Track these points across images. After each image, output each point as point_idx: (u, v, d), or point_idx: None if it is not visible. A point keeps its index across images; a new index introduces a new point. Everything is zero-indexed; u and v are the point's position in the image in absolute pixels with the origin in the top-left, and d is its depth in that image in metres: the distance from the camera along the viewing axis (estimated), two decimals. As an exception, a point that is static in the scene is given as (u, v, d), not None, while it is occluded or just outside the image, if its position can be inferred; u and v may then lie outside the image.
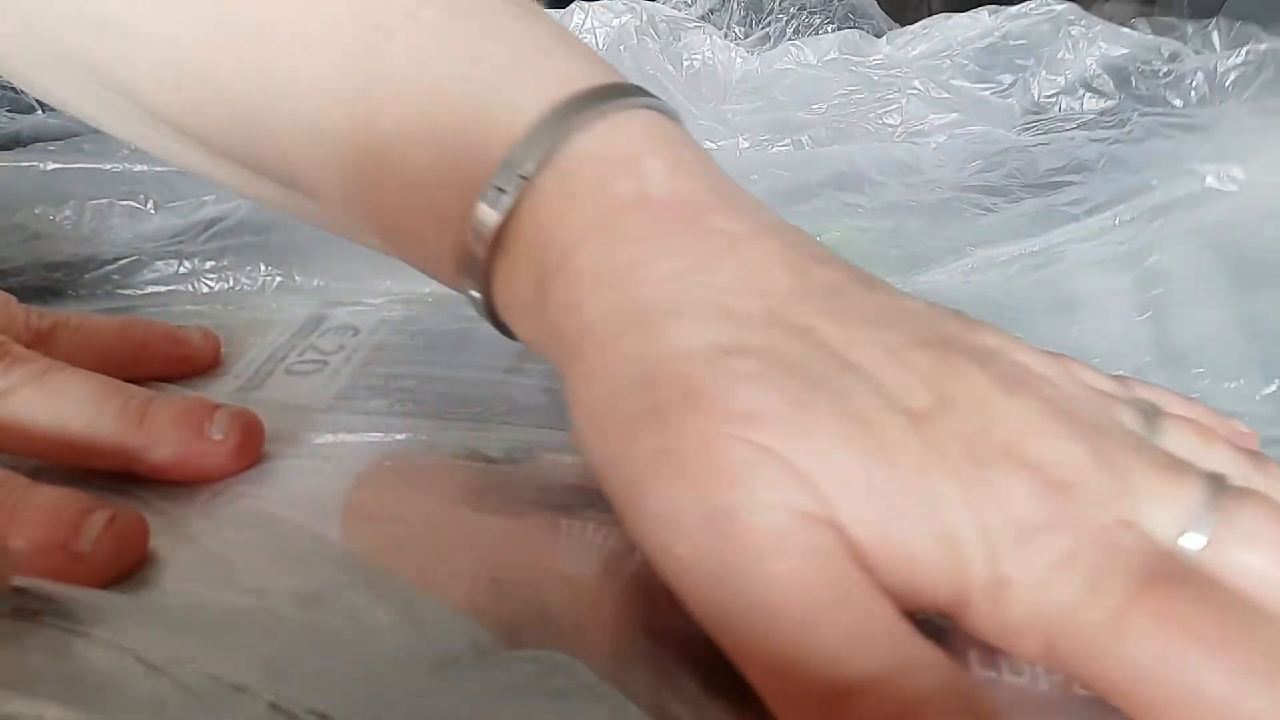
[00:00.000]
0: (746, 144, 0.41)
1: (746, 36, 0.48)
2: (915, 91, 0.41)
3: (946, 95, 0.41)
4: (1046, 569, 0.15)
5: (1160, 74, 0.39)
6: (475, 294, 0.20)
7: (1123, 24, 0.41)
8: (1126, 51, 0.41)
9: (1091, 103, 0.41)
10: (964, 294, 0.34)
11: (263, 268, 0.37)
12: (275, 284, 0.36)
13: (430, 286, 0.36)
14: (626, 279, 0.17)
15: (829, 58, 0.42)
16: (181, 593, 0.18)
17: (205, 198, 0.38)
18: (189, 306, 0.34)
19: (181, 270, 0.36)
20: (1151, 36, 0.40)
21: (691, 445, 0.15)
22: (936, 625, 0.16)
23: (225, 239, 0.37)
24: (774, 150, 0.41)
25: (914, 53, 0.43)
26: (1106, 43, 0.41)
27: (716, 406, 0.16)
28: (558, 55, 0.20)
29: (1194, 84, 0.39)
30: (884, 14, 0.50)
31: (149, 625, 0.16)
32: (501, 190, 0.18)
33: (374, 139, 0.20)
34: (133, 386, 0.22)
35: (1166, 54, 0.40)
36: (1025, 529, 0.15)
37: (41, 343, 0.24)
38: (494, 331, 0.22)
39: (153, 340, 0.26)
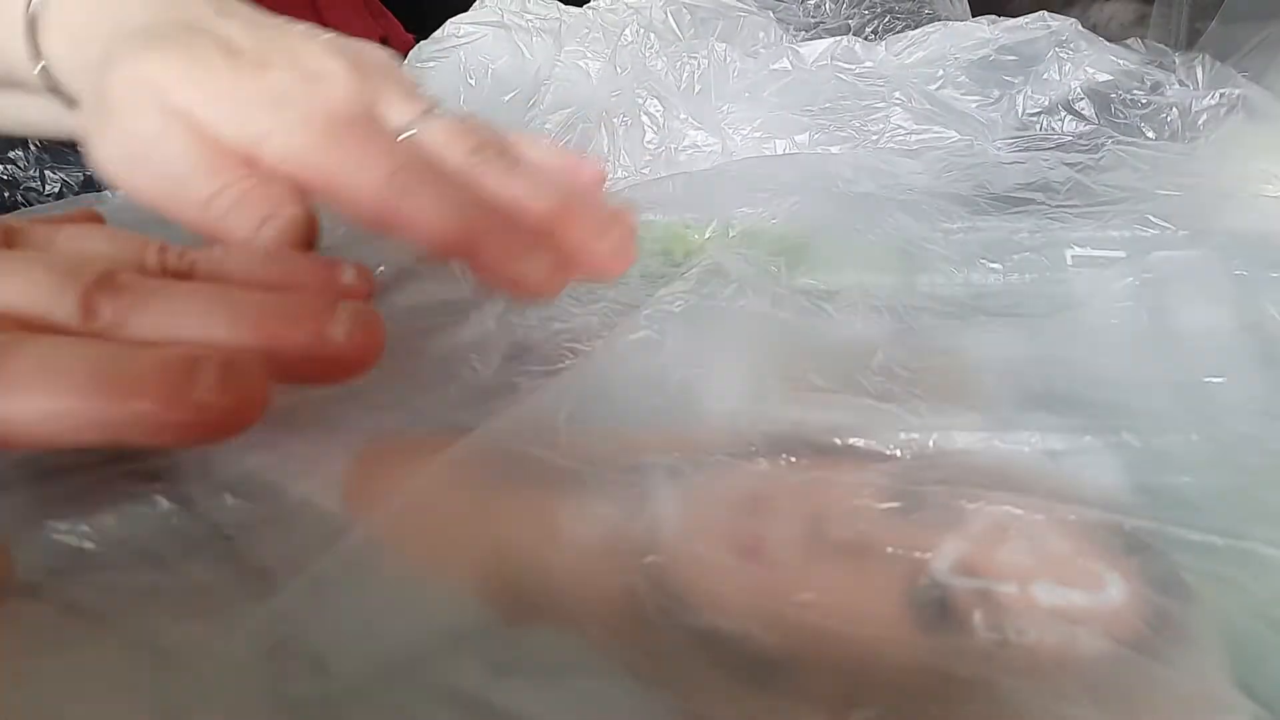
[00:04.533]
0: (739, 139, 0.45)
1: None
2: (898, 101, 0.43)
3: (930, 106, 0.43)
4: (291, 123, 0.23)
5: (1140, 103, 0.40)
6: (42, 63, 0.27)
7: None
8: (1111, 78, 0.41)
9: (1071, 125, 0.42)
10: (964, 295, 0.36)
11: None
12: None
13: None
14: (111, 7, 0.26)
15: (821, 63, 0.44)
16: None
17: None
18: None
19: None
20: (1136, 67, 0.41)
21: (114, 95, 0.24)
22: (941, 598, 0.17)
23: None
24: (764, 150, 0.44)
25: (909, 60, 0.45)
26: (1094, 67, 0.42)
27: (127, 67, 0.24)
28: None
29: (1168, 119, 0.39)
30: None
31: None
32: None
33: None
34: (239, 290, 0.21)
35: (1149, 84, 0.41)
36: (278, 100, 0.23)
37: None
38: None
39: (299, 274, 0.23)
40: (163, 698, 0.14)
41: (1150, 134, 0.40)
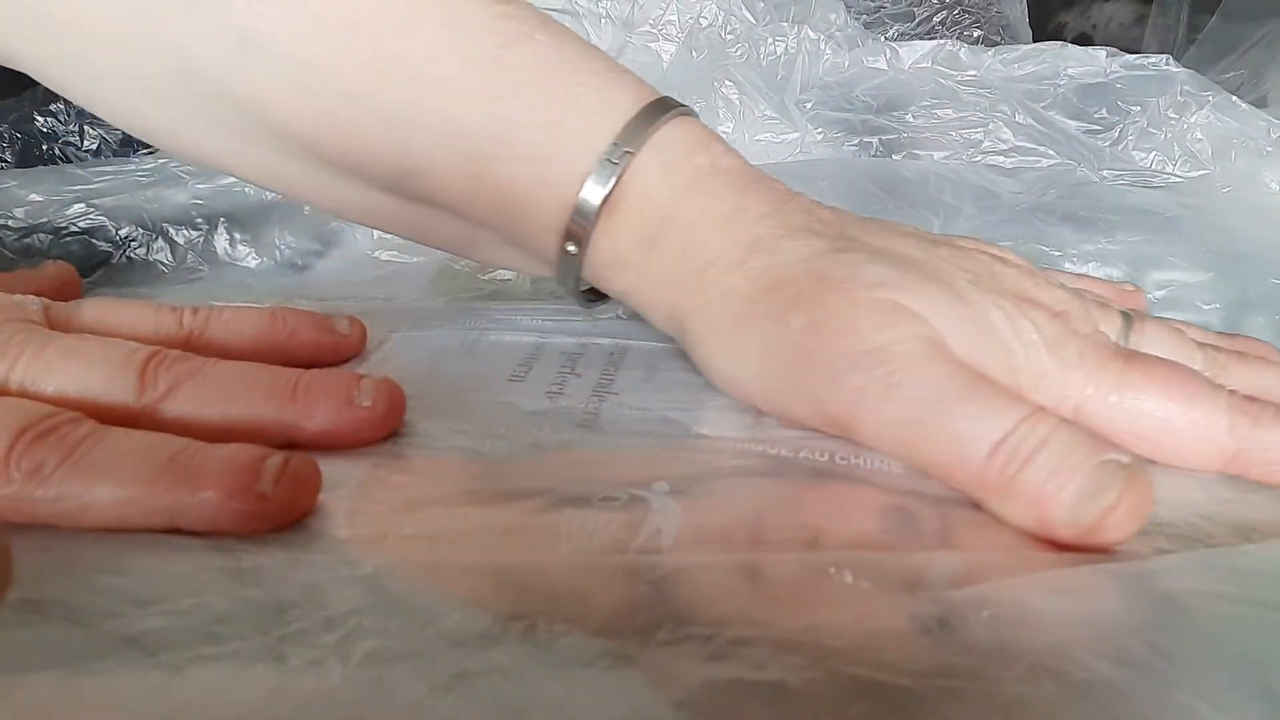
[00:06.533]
0: (820, 135, 0.41)
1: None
2: (1002, 115, 0.40)
3: (1035, 124, 0.40)
4: (1069, 363, 0.23)
5: (1263, 153, 0.37)
6: (572, 249, 0.25)
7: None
8: (1234, 124, 0.38)
9: (1184, 167, 0.39)
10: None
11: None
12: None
13: (442, 300, 0.36)
14: (735, 220, 0.24)
15: (921, 65, 0.41)
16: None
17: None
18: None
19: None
20: (1263, 114, 0.38)
21: (842, 310, 0.22)
22: (941, 613, 0.17)
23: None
24: (846, 148, 0.41)
25: (1019, 73, 0.41)
26: (1215, 112, 0.39)
27: (849, 281, 0.22)
28: (630, 76, 0.26)
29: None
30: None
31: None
32: (612, 163, 0.24)
33: (498, 127, 0.25)
34: (278, 367, 0.23)
35: (1275, 136, 0.38)
36: (1050, 340, 0.23)
37: (199, 337, 0.25)
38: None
39: (301, 327, 0.27)
40: (163, 700, 0.14)
41: (1274, 184, 0.37)
